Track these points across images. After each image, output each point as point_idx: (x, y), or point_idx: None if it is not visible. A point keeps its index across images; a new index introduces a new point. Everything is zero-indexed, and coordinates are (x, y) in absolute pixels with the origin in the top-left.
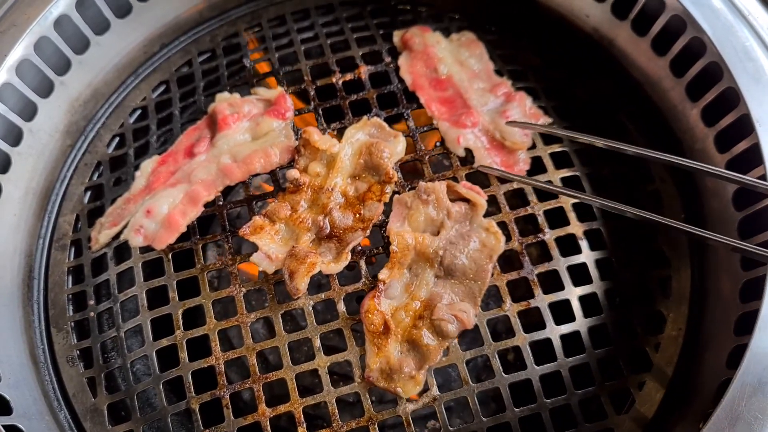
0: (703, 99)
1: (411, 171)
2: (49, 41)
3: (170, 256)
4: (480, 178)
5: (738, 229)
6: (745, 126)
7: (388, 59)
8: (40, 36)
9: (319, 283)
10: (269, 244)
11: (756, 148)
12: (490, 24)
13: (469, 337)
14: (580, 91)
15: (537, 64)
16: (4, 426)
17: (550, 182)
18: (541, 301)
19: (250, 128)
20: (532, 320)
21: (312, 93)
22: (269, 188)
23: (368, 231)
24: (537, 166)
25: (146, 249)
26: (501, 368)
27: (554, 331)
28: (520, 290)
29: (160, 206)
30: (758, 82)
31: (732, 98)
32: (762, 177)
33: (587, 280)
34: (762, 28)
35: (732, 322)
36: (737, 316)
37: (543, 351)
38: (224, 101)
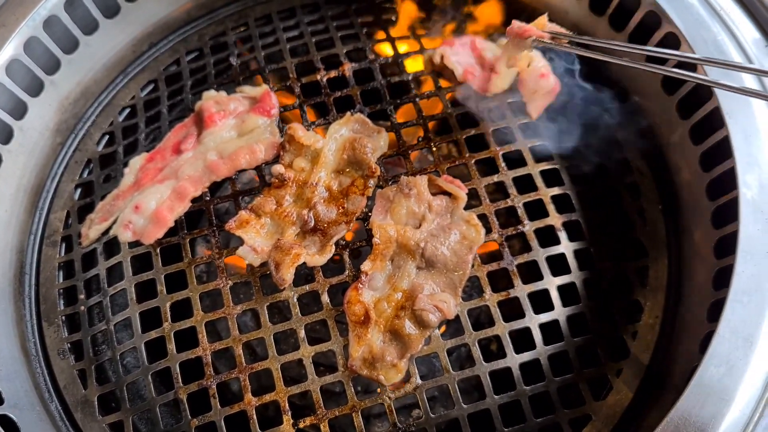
0: (678, 93)
1: (394, 165)
2: (39, 41)
3: (158, 250)
4: (461, 172)
5: (711, 219)
6: (716, 119)
7: (371, 56)
8: (29, 36)
9: (305, 276)
10: (255, 237)
11: (726, 140)
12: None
13: (453, 328)
14: (561, 87)
15: None
16: None
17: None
18: (521, 291)
19: (236, 125)
20: (513, 310)
21: (297, 90)
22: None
23: (351, 224)
24: (517, 161)
25: (135, 244)
26: (481, 357)
27: (533, 320)
28: (502, 281)
29: (148, 202)
30: (728, 75)
31: (705, 92)
32: (731, 169)
33: (566, 271)
34: (733, 23)
35: (705, 309)
36: (709, 304)
37: (523, 340)
38: (211, 99)
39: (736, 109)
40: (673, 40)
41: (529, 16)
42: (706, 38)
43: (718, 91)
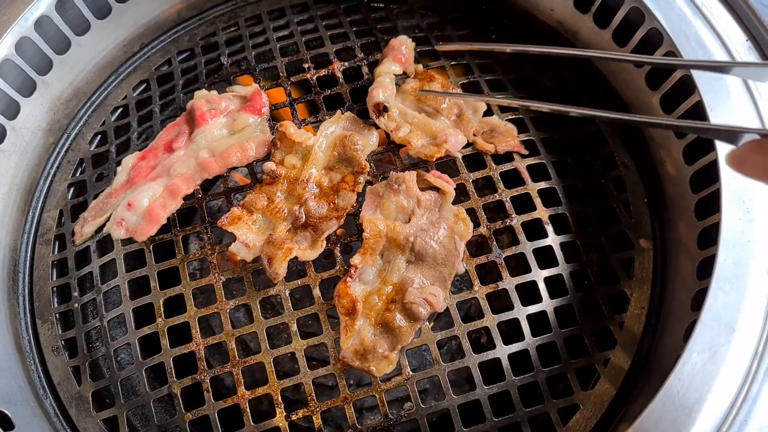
0: (662, 87)
1: (384, 162)
2: (31, 42)
3: (151, 247)
4: (449, 168)
5: (695, 210)
6: (699, 112)
7: (360, 55)
8: (21, 36)
9: (297, 271)
10: (247, 233)
11: None
12: (460, 20)
13: (444, 321)
14: (546, 82)
15: (505, 57)
16: None
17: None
18: (509, 283)
19: (227, 124)
20: (502, 302)
21: (287, 88)
22: (247, 181)
23: (342, 219)
24: (504, 156)
25: (128, 241)
26: (471, 348)
27: (522, 312)
28: (491, 274)
29: (140, 199)
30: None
31: (687, 86)
32: (714, 162)
33: (553, 263)
34: (714, 18)
35: (690, 298)
36: (694, 293)
37: (511, 331)
38: (202, 98)
39: (718, 103)
40: (656, 36)
41: (515, 16)
42: (688, 34)
43: (700, 84)
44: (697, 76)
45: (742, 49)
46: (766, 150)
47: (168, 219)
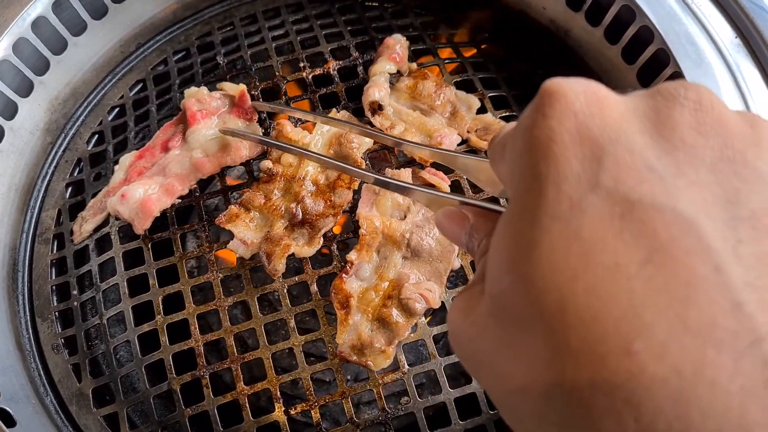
0: (653, 84)
1: (380, 159)
2: (28, 42)
3: (150, 245)
4: (444, 165)
5: None
6: None
7: (355, 54)
8: (18, 37)
9: (294, 268)
10: (244, 231)
11: None
12: (454, 19)
13: (440, 316)
14: (540, 80)
15: (499, 55)
16: None
17: None
18: None
19: (219, 124)
20: None
21: (283, 88)
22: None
23: (339, 217)
24: None
25: (126, 240)
26: None
27: None
28: None
29: (134, 191)
30: (699, 66)
31: (680, 78)
32: None
33: None
34: (703, 15)
35: None
36: None
37: None
38: (192, 97)
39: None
40: (646, 34)
41: (508, 15)
42: (678, 31)
43: (690, 81)
44: (687, 72)
45: (732, 46)
46: (454, 218)
47: (167, 216)
